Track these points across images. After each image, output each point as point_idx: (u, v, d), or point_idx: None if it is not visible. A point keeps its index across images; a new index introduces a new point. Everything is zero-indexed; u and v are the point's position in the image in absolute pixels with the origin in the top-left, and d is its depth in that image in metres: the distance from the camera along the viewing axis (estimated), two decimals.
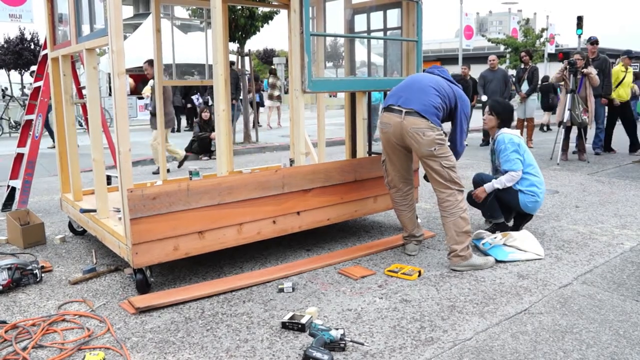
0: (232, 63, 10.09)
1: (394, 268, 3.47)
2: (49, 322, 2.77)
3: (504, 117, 4.18)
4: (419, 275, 3.39)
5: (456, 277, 3.36)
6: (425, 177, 3.67)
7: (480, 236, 3.95)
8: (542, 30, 24.37)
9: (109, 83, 17.54)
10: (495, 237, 3.83)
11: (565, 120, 7.82)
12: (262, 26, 10.47)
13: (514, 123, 10.56)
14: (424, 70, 3.77)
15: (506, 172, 4.00)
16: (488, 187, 4.04)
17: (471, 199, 4.36)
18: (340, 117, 16.09)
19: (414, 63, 4.17)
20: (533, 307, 2.92)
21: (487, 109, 4.22)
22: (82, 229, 4.37)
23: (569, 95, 7.77)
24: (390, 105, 3.50)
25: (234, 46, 11.03)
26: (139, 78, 19.68)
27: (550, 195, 5.74)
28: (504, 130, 4.16)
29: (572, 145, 8.48)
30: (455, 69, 15.43)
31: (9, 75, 31.16)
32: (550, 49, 26.33)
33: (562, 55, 11.21)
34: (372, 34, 4.61)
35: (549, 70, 24.67)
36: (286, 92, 23.55)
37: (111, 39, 2.96)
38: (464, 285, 3.24)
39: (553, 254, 3.81)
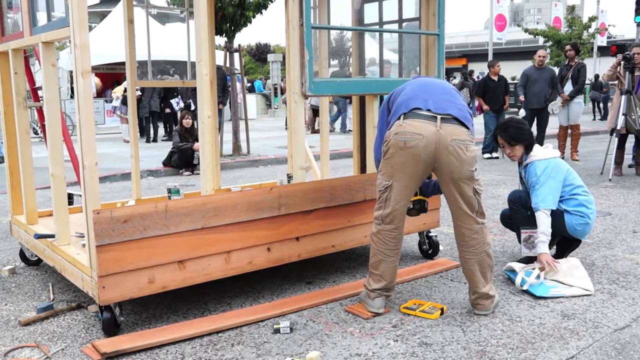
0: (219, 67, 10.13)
1: (411, 305, 3.48)
2: None
3: (524, 141, 4.07)
4: (442, 314, 3.39)
5: (486, 316, 3.37)
6: (411, 212, 3.53)
7: (511, 268, 3.95)
8: (591, 19, 24.54)
9: (71, 83, 17.69)
10: (532, 270, 3.81)
11: (619, 127, 7.83)
12: (254, 17, 10.56)
13: (555, 131, 10.61)
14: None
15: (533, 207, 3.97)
16: (542, 248, 3.87)
17: (507, 221, 4.36)
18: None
19: (435, 60, 4.22)
20: (582, 354, 2.91)
21: (500, 141, 4.12)
22: (36, 258, 4.39)
23: (623, 96, 7.79)
24: (416, 110, 3.18)
25: (221, 40, 11.15)
26: (107, 77, 19.87)
27: (601, 217, 5.75)
28: (536, 153, 4.09)
29: (628, 157, 8.48)
30: (483, 67, 15.50)
31: None
32: (601, 41, 26.49)
33: (615, 48, 11.29)
34: (385, 27, 4.67)
35: (600, 68, 24.82)
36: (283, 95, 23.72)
37: (73, 30, 3.00)
38: (496, 326, 3.24)
39: (605, 289, 3.81)
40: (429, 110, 3.16)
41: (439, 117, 3.13)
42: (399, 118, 3.21)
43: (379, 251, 3.35)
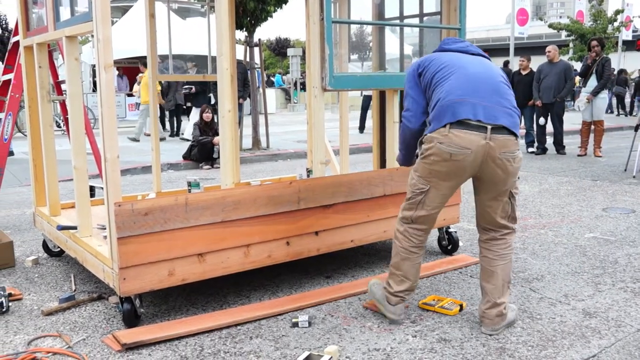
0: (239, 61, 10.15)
1: (430, 300, 3.48)
2: None
3: None
4: (461, 310, 3.38)
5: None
6: None
7: None
8: (617, 12, 24.08)
9: (94, 77, 17.87)
10: None
11: None
12: (274, 11, 10.59)
13: (578, 127, 10.46)
14: (444, 49, 3.24)
15: None
16: None
17: None
18: (367, 120, 16.13)
19: None
20: (604, 353, 2.88)
21: None
22: (59, 249, 4.45)
23: None
24: (466, 120, 2.91)
25: (241, 35, 11.18)
26: (129, 71, 20.06)
27: (625, 215, 5.67)
28: None
29: None
30: (500, 62, 15.40)
31: None
32: (626, 35, 26.02)
33: None
34: (406, 21, 4.64)
35: (624, 63, 24.39)
36: (303, 89, 23.75)
37: (96, 24, 3.04)
38: (516, 323, 3.22)
39: (628, 287, 3.76)
40: (479, 120, 2.91)
41: (489, 127, 2.90)
42: (444, 126, 2.94)
43: (403, 248, 3.19)
